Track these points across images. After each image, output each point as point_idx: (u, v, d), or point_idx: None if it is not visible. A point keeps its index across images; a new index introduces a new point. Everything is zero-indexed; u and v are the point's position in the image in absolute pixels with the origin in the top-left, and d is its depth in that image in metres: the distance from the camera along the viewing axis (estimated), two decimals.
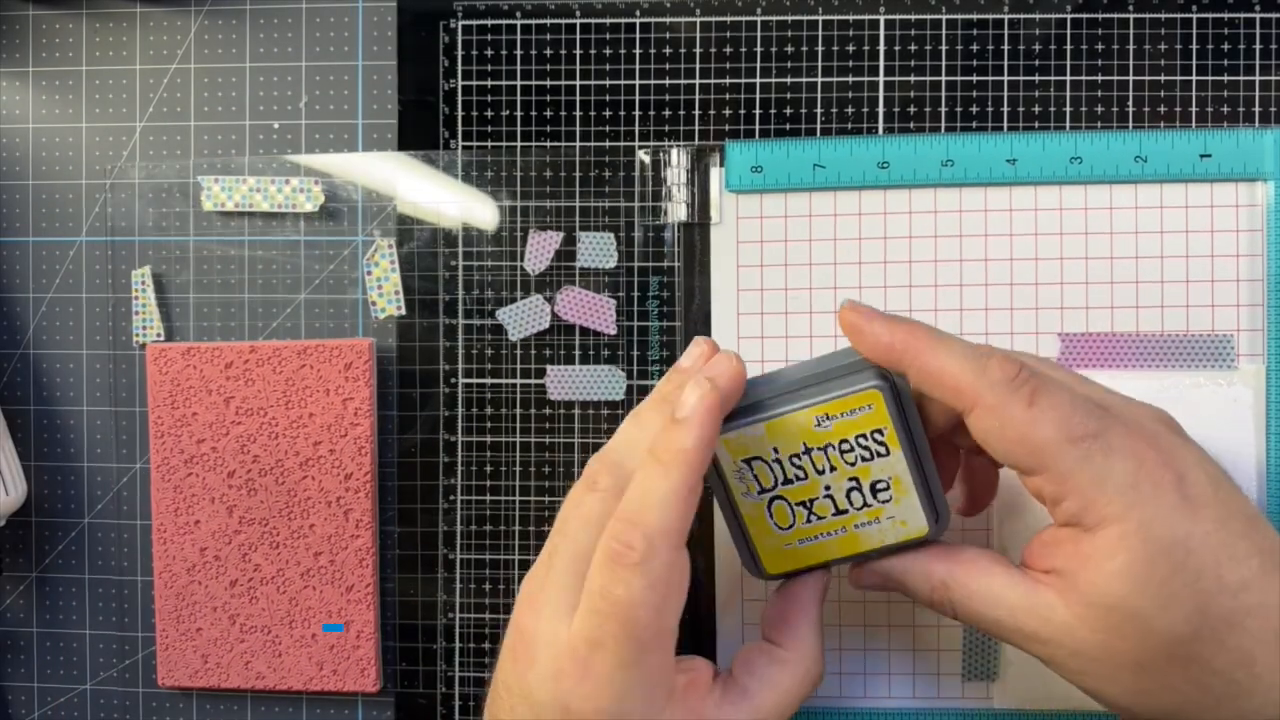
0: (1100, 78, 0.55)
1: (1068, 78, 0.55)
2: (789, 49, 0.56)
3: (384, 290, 0.57)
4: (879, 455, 0.43)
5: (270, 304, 0.58)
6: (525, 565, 0.56)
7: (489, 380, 0.57)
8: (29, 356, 0.60)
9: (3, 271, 0.60)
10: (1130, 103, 0.55)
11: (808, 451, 0.43)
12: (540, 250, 0.56)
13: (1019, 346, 0.53)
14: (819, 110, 0.56)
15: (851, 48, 0.56)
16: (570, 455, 0.57)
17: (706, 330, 0.55)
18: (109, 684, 0.60)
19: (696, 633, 0.55)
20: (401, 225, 0.57)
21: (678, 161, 0.55)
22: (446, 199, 0.57)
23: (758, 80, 0.56)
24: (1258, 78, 0.54)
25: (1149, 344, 0.53)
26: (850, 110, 0.56)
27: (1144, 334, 0.53)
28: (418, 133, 0.58)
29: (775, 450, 0.43)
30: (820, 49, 0.56)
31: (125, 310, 0.59)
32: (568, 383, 0.57)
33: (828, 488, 0.44)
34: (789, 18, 0.56)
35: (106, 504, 0.59)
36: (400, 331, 0.57)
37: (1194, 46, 0.55)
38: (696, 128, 0.56)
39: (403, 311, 0.57)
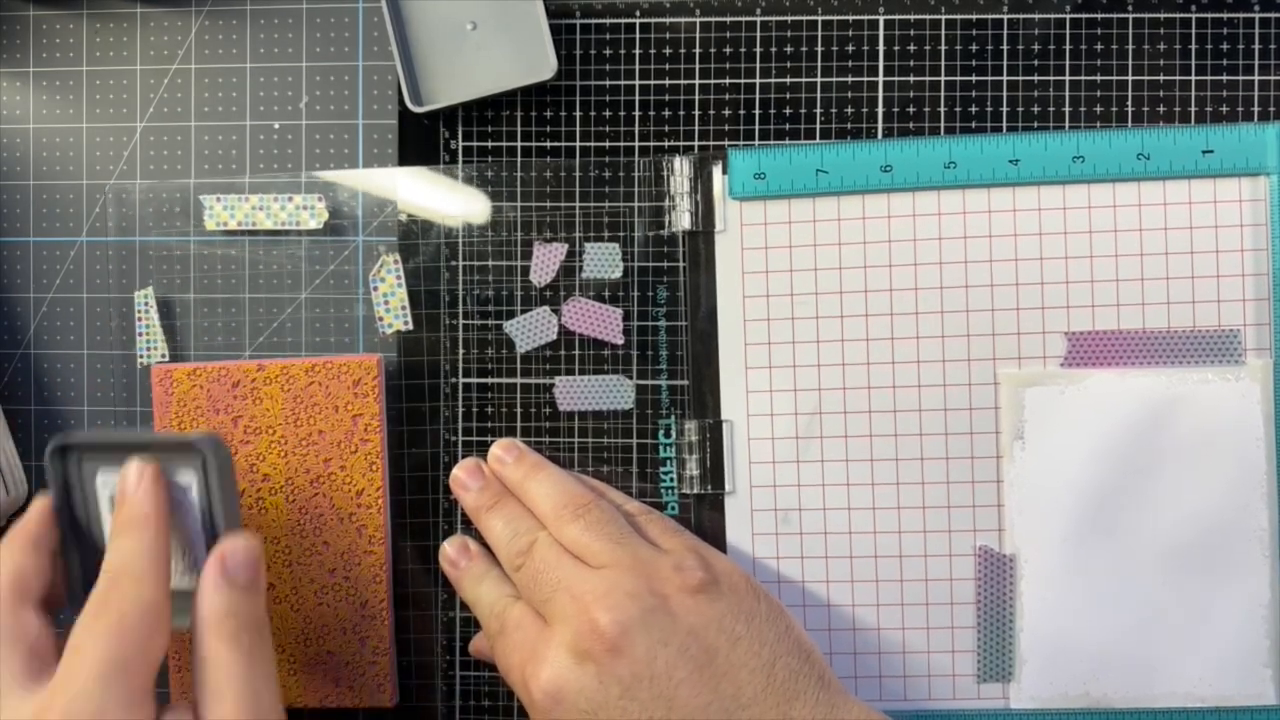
0: (1100, 78, 0.49)
1: (1067, 78, 0.49)
2: (789, 49, 0.50)
3: (390, 305, 0.50)
4: None
5: (271, 318, 0.51)
6: None
7: (496, 394, 0.50)
8: (29, 356, 0.52)
9: (3, 271, 0.52)
10: (1130, 102, 0.49)
11: None
12: (546, 262, 0.50)
13: (1026, 346, 0.47)
14: (819, 110, 0.49)
15: (851, 48, 0.49)
16: (572, 461, 0.50)
17: (713, 335, 0.48)
18: None
19: None
20: (405, 240, 0.50)
21: (680, 170, 0.49)
22: (449, 213, 0.50)
23: (757, 80, 0.50)
24: (1257, 77, 0.48)
25: (1155, 341, 0.47)
26: (850, 110, 0.49)
27: (1150, 331, 0.47)
28: (418, 133, 0.51)
29: None
30: (820, 49, 0.49)
31: (127, 310, 0.51)
32: (576, 393, 0.50)
33: None
34: (789, 18, 0.49)
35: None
36: (407, 346, 0.50)
37: (1193, 46, 0.48)
38: (696, 128, 0.50)
39: (410, 326, 0.50)
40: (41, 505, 0.42)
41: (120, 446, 0.42)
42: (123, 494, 0.40)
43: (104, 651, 0.36)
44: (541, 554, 0.43)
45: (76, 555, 0.43)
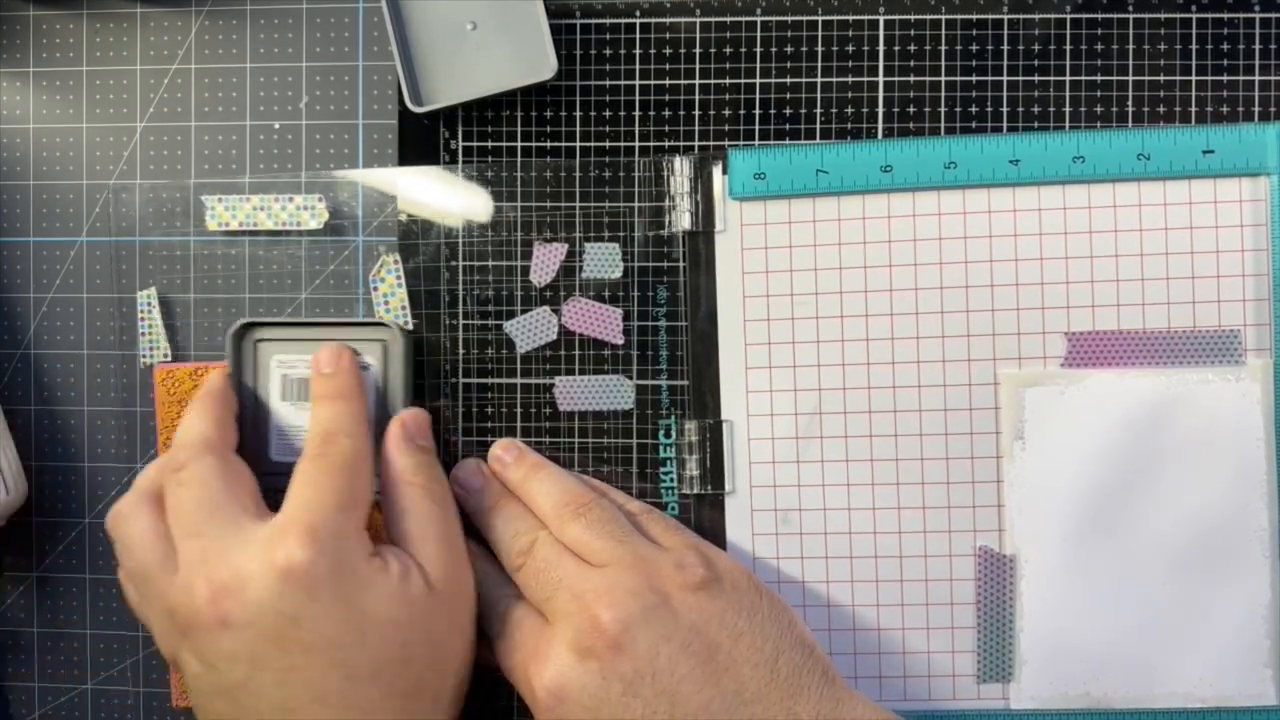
0: (1100, 78, 0.48)
1: (1067, 78, 0.48)
2: (789, 49, 0.49)
3: (390, 306, 0.50)
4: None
5: (271, 318, 0.51)
6: None
7: (496, 394, 0.50)
8: (29, 356, 0.52)
9: (3, 271, 0.52)
10: (1130, 103, 0.48)
11: None
12: (546, 262, 0.49)
13: (1026, 347, 0.47)
14: (819, 111, 0.49)
15: (851, 48, 0.49)
16: (572, 461, 0.50)
17: (713, 335, 0.48)
18: (109, 684, 0.52)
19: None
20: (405, 240, 0.50)
21: (680, 170, 0.49)
22: (449, 213, 0.50)
23: (758, 81, 0.49)
24: (1257, 77, 0.48)
25: (1156, 341, 0.46)
26: (850, 111, 0.49)
27: (1150, 331, 0.46)
28: (418, 133, 0.50)
29: None
30: (820, 49, 0.49)
31: (127, 310, 0.51)
32: (576, 393, 0.49)
33: None
34: (789, 18, 0.49)
35: (106, 504, 0.52)
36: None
37: (1194, 46, 0.48)
38: (696, 128, 0.49)
39: (410, 327, 0.50)
40: (221, 374, 0.47)
41: (302, 328, 0.47)
42: (319, 370, 0.45)
43: (335, 484, 0.41)
44: (542, 553, 0.43)
45: (240, 427, 0.47)
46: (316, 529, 0.39)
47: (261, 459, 0.47)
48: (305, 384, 0.47)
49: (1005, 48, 0.48)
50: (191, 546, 0.40)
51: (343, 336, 0.47)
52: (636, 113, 0.49)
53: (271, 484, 0.45)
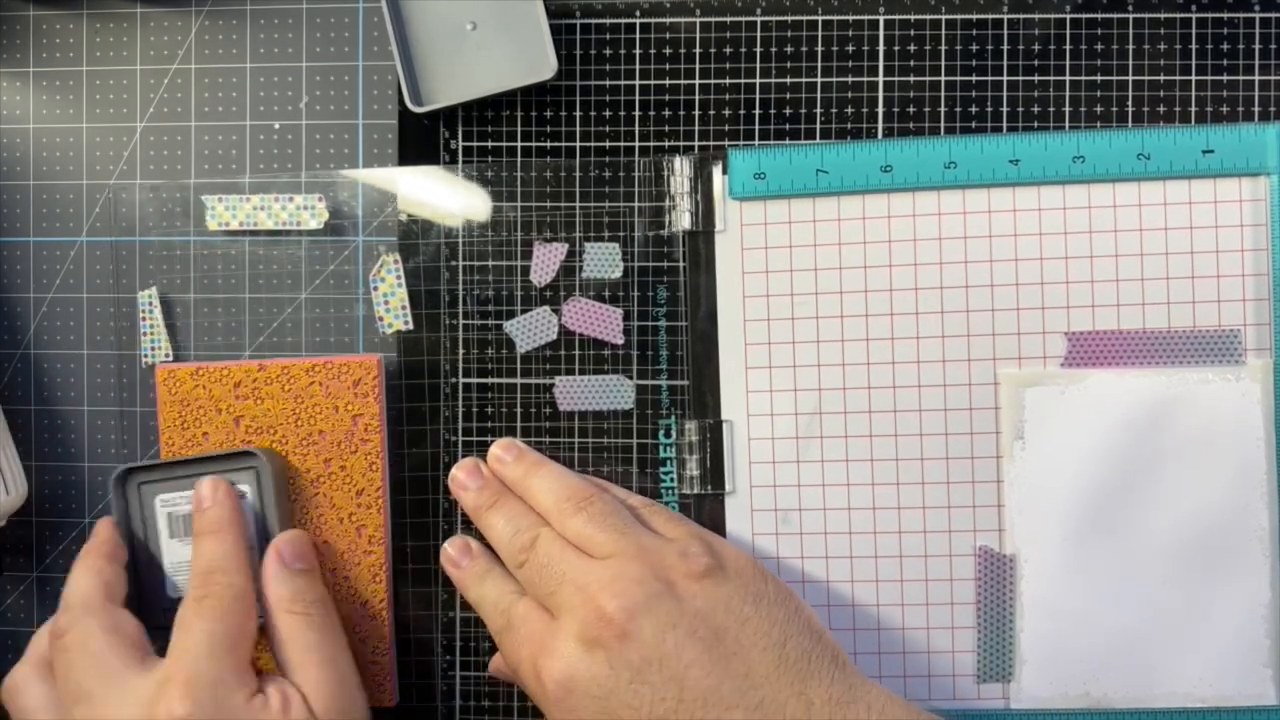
0: (1100, 78, 0.48)
1: (1067, 78, 0.48)
2: (789, 49, 0.49)
3: (390, 305, 0.50)
4: None
5: (271, 318, 0.51)
6: None
7: (496, 394, 0.50)
8: (29, 356, 0.52)
9: (3, 271, 0.52)
10: (1130, 102, 0.48)
11: None
12: (546, 262, 0.49)
13: (1026, 346, 0.47)
14: (819, 111, 0.49)
15: (851, 48, 0.49)
16: (572, 461, 0.50)
17: (713, 335, 0.48)
18: None
19: None
20: (405, 240, 0.50)
21: (680, 170, 0.49)
22: (449, 213, 0.50)
23: (757, 81, 0.49)
24: (1257, 77, 0.48)
25: (1156, 341, 0.46)
26: (850, 110, 0.49)
27: (1150, 331, 0.46)
28: (418, 133, 0.50)
29: None
30: (820, 49, 0.49)
31: (128, 310, 0.51)
32: (576, 393, 0.50)
33: None
34: (789, 18, 0.49)
35: (107, 504, 0.52)
36: (407, 346, 0.50)
37: (1193, 46, 0.48)
38: (696, 128, 0.50)
39: (410, 326, 0.50)
40: (108, 524, 0.47)
41: (179, 466, 0.47)
42: (199, 506, 0.46)
43: (211, 629, 0.41)
44: (545, 548, 0.43)
45: (134, 569, 0.47)
46: (194, 680, 0.40)
47: (158, 596, 0.47)
48: (189, 519, 0.47)
49: (1005, 48, 0.48)
50: (80, 714, 0.41)
51: (216, 469, 0.47)
52: (636, 113, 0.49)
53: (167, 620, 0.45)
